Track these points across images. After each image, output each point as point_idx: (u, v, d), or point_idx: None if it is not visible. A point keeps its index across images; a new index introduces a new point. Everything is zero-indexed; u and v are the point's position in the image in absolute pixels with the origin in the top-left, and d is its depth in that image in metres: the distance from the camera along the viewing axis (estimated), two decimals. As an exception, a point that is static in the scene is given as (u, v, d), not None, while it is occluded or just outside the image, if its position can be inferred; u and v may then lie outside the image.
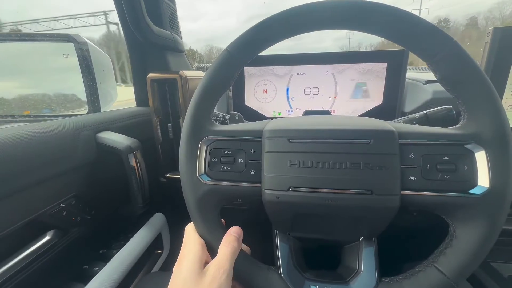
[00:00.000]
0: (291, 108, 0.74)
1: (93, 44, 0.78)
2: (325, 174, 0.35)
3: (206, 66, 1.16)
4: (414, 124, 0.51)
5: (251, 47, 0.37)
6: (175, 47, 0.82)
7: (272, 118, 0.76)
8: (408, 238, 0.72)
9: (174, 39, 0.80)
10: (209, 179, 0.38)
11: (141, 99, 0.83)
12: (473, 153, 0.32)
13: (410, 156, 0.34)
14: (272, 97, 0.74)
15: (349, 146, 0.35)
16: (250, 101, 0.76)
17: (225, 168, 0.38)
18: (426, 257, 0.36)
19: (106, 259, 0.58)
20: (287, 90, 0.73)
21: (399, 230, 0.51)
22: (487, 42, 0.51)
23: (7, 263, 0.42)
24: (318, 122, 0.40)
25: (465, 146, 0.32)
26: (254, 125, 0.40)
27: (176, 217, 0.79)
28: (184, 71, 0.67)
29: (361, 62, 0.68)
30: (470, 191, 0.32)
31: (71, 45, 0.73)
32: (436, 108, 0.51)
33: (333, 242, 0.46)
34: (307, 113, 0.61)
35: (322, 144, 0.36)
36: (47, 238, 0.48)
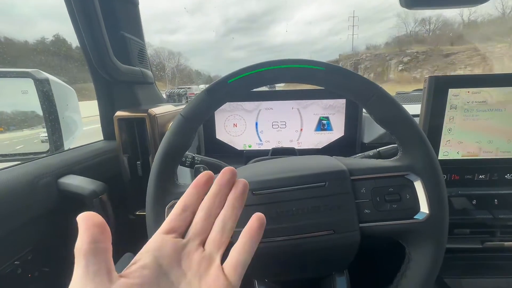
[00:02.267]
0: (260, 140, 0.77)
1: (56, 79, 0.75)
2: (290, 222, 0.37)
3: (178, 93, 1.17)
4: None
5: (203, 111, 0.39)
6: (144, 81, 0.82)
7: (243, 151, 0.78)
8: (376, 259, 0.77)
9: (143, 74, 0.80)
10: None
11: (108, 132, 0.81)
12: (412, 182, 0.36)
13: (362, 191, 0.38)
14: (242, 131, 0.77)
15: (308, 191, 0.38)
16: (221, 135, 0.77)
17: None
18: (394, 275, 0.40)
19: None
20: (256, 124, 0.76)
21: (366, 255, 0.55)
22: (425, 87, 0.58)
23: None
24: (277, 169, 0.42)
25: (406, 176, 0.37)
26: None
27: None
28: (153, 109, 0.67)
29: (323, 98, 0.73)
30: (415, 217, 0.36)
31: (30, 81, 0.70)
32: (388, 147, 0.57)
33: (310, 279, 0.48)
34: (274, 151, 0.64)
35: (283, 193, 0.38)
36: (-2, 302, 0.44)
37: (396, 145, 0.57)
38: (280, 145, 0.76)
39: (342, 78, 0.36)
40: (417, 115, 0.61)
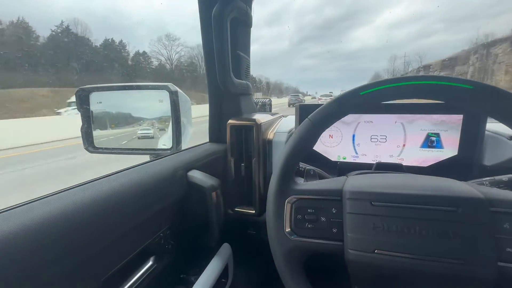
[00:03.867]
0: (356, 153, 0.77)
1: (181, 91, 0.93)
2: (413, 240, 0.37)
3: (266, 103, 1.26)
4: (503, 187, 0.49)
5: (330, 118, 0.43)
6: (246, 92, 0.93)
7: (337, 162, 0.79)
8: None
9: (247, 86, 0.91)
10: (295, 235, 0.42)
11: (214, 136, 0.95)
12: None
13: (505, 226, 0.34)
14: (338, 142, 0.78)
15: (435, 213, 0.37)
16: (315, 145, 0.80)
17: (309, 226, 0.42)
18: None
19: (186, 283, 0.66)
20: (353, 136, 0.76)
21: None
22: None
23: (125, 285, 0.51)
24: (399, 184, 0.42)
25: None
26: (333, 183, 0.44)
27: (240, 248, 0.85)
28: (258, 118, 0.76)
29: (434, 113, 0.68)
30: None
31: (165, 93, 0.89)
32: None
33: None
34: (379, 165, 0.63)
35: (406, 209, 0.38)
36: (150, 263, 0.57)
37: None
38: (378, 160, 0.74)
39: (492, 99, 0.34)
40: None
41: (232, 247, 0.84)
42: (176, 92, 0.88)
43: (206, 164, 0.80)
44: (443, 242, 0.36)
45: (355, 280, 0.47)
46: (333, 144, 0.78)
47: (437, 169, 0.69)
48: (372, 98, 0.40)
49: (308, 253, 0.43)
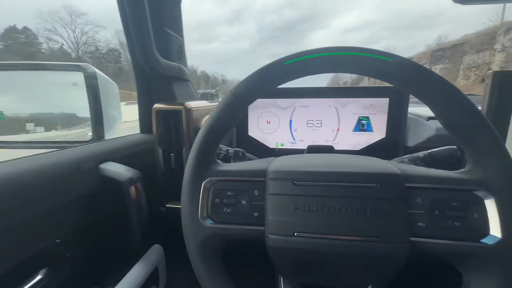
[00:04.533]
0: (294, 139, 0.75)
1: (102, 73, 0.80)
2: (332, 220, 0.34)
3: (211, 93, 1.19)
4: (420, 163, 0.50)
5: (254, 90, 0.38)
6: (181, 77, 0.84)
7: (275, 149, 0.76)
8: (421, 280, 0.69)
9: (181, 70, 0.82)
10: (212, 222, 0.37)
11: (145, 126, 0.84)
12: (483, 200, 0.31)
13: (417, 201, 0.34)
14: (275, 128, 0.75)
15: (355, 190, 0.35)
16: (253, 132, 0.76)
17: (228, 210, 0.37)
18: None
19: (99, 297, 0.55)
20: (290, 122, 0.74)
21: (411, 274, 0.49)
22: (488, 84, 0.52)
23: None
24: (323, 163, 0.40)
25: (474, 192, 0.32)
26: (258, 164, 0.40)
27: (175, 249, 0.77)
28: (189, 102, 0.68)
29: (363, 97, 0.69)
30: (482, 241, 0.31)
31: (80, 74, 0.75)
32: (441, 148, 0.51)
33: None
34: (310, 148, 0.61)
35: (327, 187, 0.35)
36: (38, 278, 0.46)
37: (451, 147, 0.51)
38: (315, 145, 0.73)
39: (409, 72, 0.33)
40: None
41: (164, 249, 0.75)
42: (94, 74, 0.76)
43: (130, 155, 0.70)
44: (360, 220, 0.34)
45: (279, 268, 0.43)
46: (271, 131, 0.75)
47: (368, 152, 0.71)
48: (297, 69, 0.36)
49: (227, 241, 0.38)
